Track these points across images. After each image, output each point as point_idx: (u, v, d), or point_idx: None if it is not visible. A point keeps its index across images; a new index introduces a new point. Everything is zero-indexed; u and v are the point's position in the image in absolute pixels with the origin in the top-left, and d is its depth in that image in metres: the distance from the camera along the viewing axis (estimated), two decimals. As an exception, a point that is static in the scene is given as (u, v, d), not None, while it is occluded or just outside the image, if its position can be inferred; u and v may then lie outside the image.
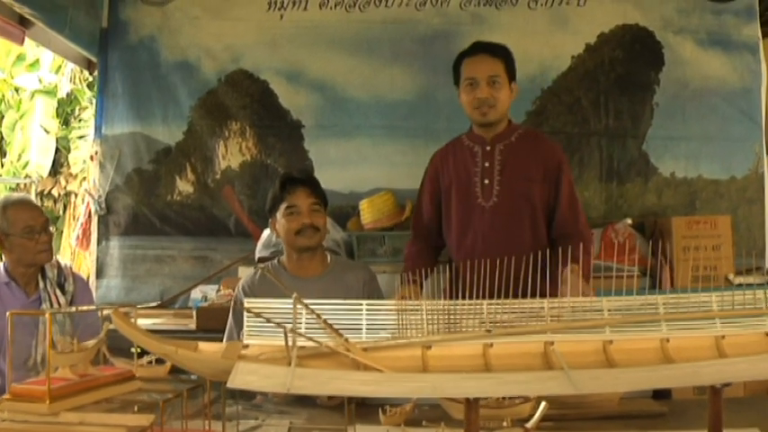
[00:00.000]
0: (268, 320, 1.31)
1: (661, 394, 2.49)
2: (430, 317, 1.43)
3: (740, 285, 1.58)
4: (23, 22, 3.65)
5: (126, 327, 1.40)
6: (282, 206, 2.52)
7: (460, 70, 2.61)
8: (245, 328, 1.41)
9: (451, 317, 1.44)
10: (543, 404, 1.69)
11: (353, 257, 3.54)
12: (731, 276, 3.43)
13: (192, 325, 3.37)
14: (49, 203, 8.25)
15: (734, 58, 3.91)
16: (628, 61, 3.92)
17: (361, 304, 1.44)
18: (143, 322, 3.42)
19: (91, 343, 1.65)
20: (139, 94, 3.98)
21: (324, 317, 1.39)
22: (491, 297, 1.47)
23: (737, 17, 3.90)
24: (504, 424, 1.73)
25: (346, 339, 1.35)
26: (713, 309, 1.56)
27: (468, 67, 2.59)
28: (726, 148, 3.90)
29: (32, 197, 2.97)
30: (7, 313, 1.54)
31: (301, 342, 1.34)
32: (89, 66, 4.35)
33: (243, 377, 1.26)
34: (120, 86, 3.98)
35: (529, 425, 1.69)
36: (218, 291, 3.66)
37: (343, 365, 1.36)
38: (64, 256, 6.90)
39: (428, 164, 2.78)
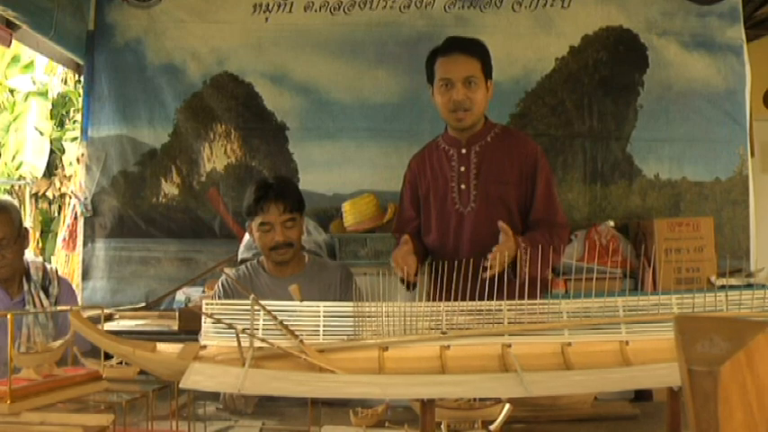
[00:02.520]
0: (218, 321, 1.31)
1: (642, 396, 2.50)
2: (388, 319, 1.44)
3: (735, 287, 1.59)
4: (11, 25, 3.66)
5: (84, 328, 1.41)
6: (256, 220, 2.51)
7: (434, 69, 2.52)
8: (202, 330, 1.42)
9: (410, 319, 1.45)
10: (507, 406, 1.70)
11: (335, 259, 3.54)
12: (713, 278, 3.44)
13: (176, 326, 3.37)
14: (43, 205, 8.26)
15: (718, 60, 3.90)
16: (612, 63, 3.92)
17: (318, 306, 1.45)
18: (127, 324, 3.46)
19: (57, 344, 1.66)
20: (125, 96, 3.99)
21: (285, 318, 1.40)
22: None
23: (722, 19, 3.90)
24: (476, 425, 1.74)
25: (301, 341, 1.36)
26: (673, 311, 1.57)
27: (442, 67, 2.49)
28: (710, 150, 3.90)
29: (15, 201, 2.97)
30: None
31: (259, 344, 1.35)
32: (77, 68, 4.36)
33: (196, 378, 1.27)
34: (106, 89, 3.99)
35: (492, 427, 1.70)
36: (203, 292, 3.67)
37: (299, 367, 1.36)
38: (58, 259, 6.91)
39: (406, 169, 2.74)
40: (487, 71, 2.52)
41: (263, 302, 1.41)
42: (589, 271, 1.58)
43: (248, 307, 1.38)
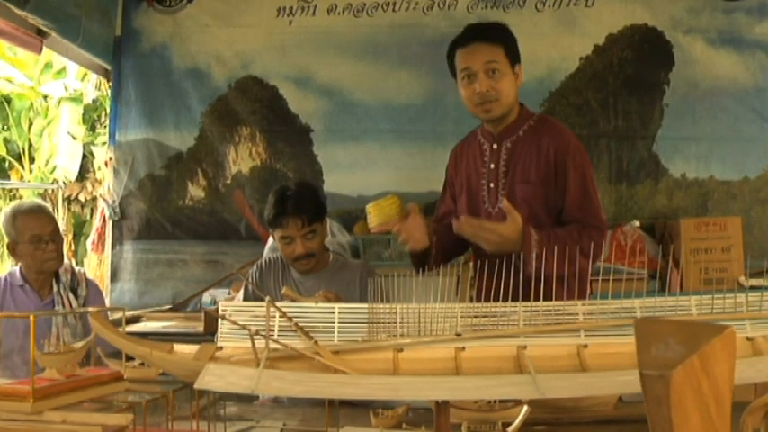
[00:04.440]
0: (234, 322, 1.33)
1: (667, 398, 2.45)
2: (403, 320, 1.44)
3: (764, 288, 1.57)
4: (41, 32, 3.73)
5: (103, 329, 1.44)
6: (277, 232, 2.55)
7: (455, 62, 2.33)
8: (218, 332, 1.44)
9: (425, 320, 1.45)
10: (525, 408, 1.69)
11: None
12: (742, 279, 3.38)
13: (202, 328, 3.41)
14: (76, 208, 8.42)
15: (746, 56, 3.85)
16: (637, 62, 3.88)
17: (334, 308, 1.46)
18: (154, 325, 3.51)
19: (79, 344, 1.70)
20: (152, 100, 4.06)
21: (301, 320, 1.41)
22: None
23: (749, 15, 3.84)
24: (496, 427, 1.74)
25: (316, 342, 1.37)
26: (692, 313, 1.54)
27: (462, 59, 2.29)
28: (738, 149, 3.84)
29: (48, 204, 3.04)
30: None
31: (274, 345, 1.36)
32: (105, 73, 4.43)
33: (210, 378, 1.28)
34: (133, 93, 4.07)
35: (510, 429, 1.69)
36: (229, 294, 3.70)
37: (314, 368, 1.37)
38: (90, 261, 7.03)
39: (448, 159, 2.60)
40: (513, 56, 2.30)
41: (278, 304, 1.42)
42: (614, 272, 1.57)
43: (263, 308, 1.39)
